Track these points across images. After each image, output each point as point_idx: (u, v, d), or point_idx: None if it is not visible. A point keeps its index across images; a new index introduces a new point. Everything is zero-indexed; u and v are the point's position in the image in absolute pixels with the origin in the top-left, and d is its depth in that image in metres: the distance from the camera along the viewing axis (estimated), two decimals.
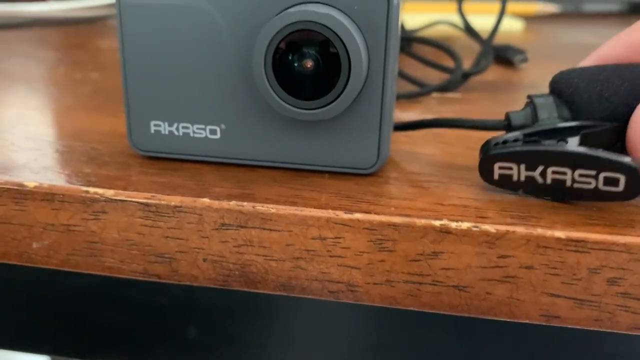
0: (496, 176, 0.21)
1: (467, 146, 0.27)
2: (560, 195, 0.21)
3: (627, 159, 0.19)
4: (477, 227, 0.19)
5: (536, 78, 0.41)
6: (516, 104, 0.33)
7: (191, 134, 0.23)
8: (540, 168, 0.20)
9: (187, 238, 0.21)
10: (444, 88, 0.34)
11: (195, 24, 0.22)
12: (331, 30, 0.20)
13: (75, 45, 0.48)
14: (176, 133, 0.23)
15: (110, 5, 0.70)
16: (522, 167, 0.21)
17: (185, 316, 0.28)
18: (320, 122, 0.22)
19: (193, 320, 0.28)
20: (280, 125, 0.22)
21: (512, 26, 0.63)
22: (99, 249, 0.22)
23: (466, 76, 0.36)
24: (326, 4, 0.21)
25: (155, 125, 0.23)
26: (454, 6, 0.43)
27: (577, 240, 0.19)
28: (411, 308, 0.21)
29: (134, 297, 0.28)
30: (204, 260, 0.21)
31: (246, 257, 0.21)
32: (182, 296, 0.28)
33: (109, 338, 0.29)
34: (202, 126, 0.23)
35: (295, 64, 0.21)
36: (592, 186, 0.20)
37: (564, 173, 0.20)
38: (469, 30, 0.40)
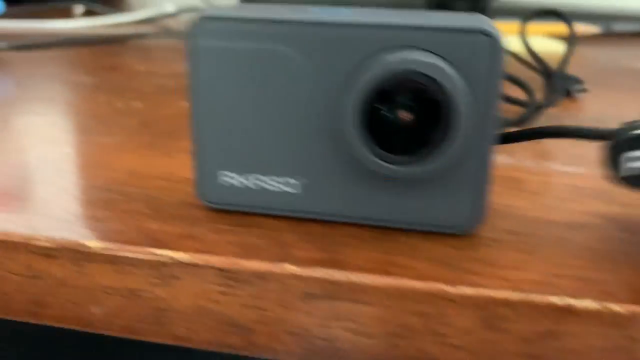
0: (624, 171, 0.18)
1: (557, 196, 0.24)
2: None
3: None
4: (603, 306, 0.17)
5: (600, 110, 0.39)
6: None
7: (267, 187, 0.21)
8: None
9: (268, 308, 0.19)
10: (518, 122, 0.31)
11: (276, 68, 0.20)
12: (435, 80, 0.18)
13: (109, 67, 0.47)
14: (250, 185, 0.21)
15: (138, 23, 0.68)
16: None
17: None
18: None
19: None
20: (369, 179, 0.20)
21: (553, 47, 0.61)
22: (167, 317, 0.20)
23: (537, 109, 0.33)
24: (425, 50, 0.19)
25: (226, 176, 0.21)
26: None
27: None
28: None
29: None
30: (286, 332, 0.19)
31: (334, 331, 0.19)
32: None
33: None
34: (280, 179, 0.21)
35: (389, 116, 0.19)
36: None
37: None
38: (535, 59, 0.38)
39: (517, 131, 0.23)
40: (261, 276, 0.19)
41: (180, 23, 0.72)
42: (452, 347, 0.18)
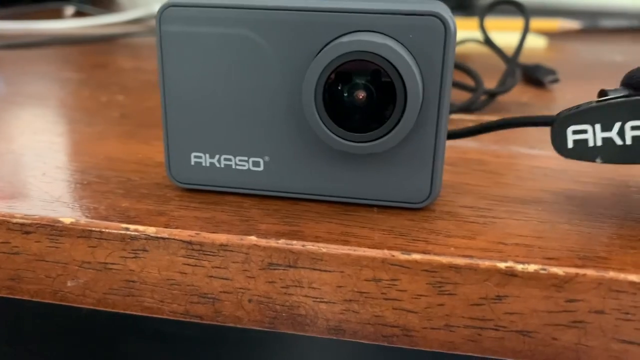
0: (570, 143, 0.20)
1: (518, 176, 0.25)
2: None
3: None
4: (544, 269, 0.18)
5: (569, 98, 0.40)
6: None
7: (233, 166, 0.22)
8: (617, 125, 0.20)
9: (232, 278, 0.20)
10: (465, 109, 0.32)
11: (241, 52, 0.21)
12: (387, 60, 0.19)
13: (97, 65, 0.48)
14: (217, 165, 0.22)
15: (128, 23, 0.69)
16: (598, 127, 0.20)
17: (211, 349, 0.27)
18: (370, 154, 0.21)
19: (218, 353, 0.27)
20: (328, 157, 0.21)
21: (535, 43, 0.62)
22: (137, 288, 0.21)
23: (492, 96, 0.34)
24: (379, 33, 0.20)
25: (195, 157, 0.22)
26: (474, 23, 0.42)
27: None
28: (471, 354, 0.19)
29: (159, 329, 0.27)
30: (249, 301, 0.20)
31: (294, 298, 0.20)
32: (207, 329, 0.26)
33: None
34: (245, 158, 0.22)
35: (346, 95, 0.20)
36: None
37: None
38: (491, 46, 0.39)
39: (466, 128, 0.24)
40: (225, 248, 0.20)
41: None
42: (405, 311, 0.19)
